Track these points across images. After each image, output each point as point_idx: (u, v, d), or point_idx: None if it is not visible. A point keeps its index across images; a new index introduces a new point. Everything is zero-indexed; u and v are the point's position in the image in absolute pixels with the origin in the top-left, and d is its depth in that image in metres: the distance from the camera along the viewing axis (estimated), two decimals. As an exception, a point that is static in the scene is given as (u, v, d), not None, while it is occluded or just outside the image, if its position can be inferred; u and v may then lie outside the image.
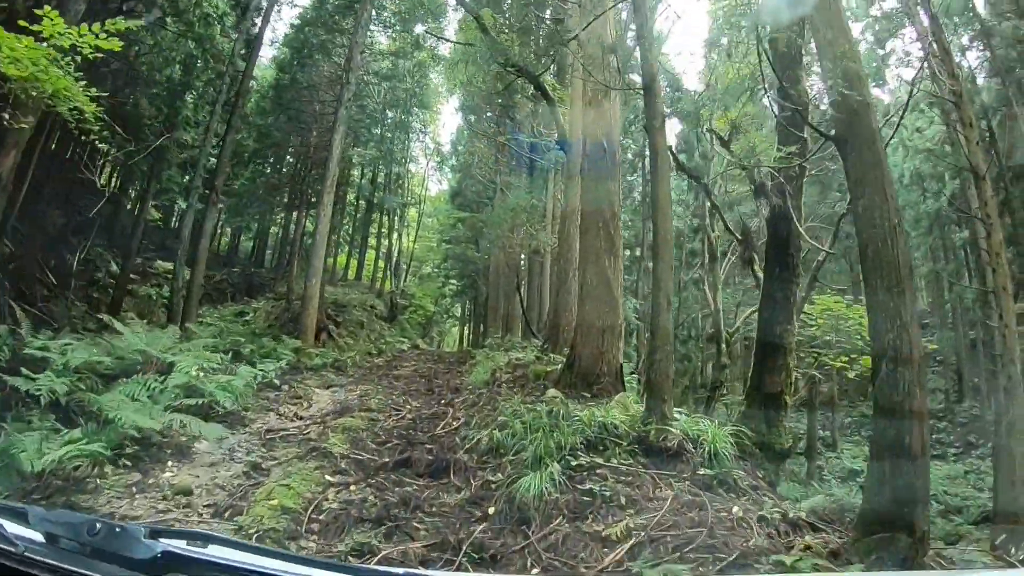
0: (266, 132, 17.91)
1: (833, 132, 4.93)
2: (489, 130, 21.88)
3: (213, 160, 14.70)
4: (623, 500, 4.03)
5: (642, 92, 6.64)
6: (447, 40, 18.22)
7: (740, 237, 9.23)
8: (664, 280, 6.36)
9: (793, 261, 8.08)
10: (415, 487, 4.63)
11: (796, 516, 4.01)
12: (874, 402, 4.36)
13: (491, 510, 4.11)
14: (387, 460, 5.12)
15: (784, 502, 4.92)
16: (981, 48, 14.91)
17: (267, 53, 21.63)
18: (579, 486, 4.24)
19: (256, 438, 5.62)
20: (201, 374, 6.19)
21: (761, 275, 9.08)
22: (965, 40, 15.07)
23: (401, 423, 6.80)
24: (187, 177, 14.39)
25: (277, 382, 8.23)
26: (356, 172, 32.05)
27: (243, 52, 14.77)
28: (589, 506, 4.00)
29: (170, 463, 4.71)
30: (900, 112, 7.30)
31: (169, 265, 21.74)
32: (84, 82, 5.64)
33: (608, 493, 4.10)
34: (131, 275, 18.01)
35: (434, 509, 4.20)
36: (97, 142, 7.43)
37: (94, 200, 22.11)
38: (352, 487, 4.53)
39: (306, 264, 14.53)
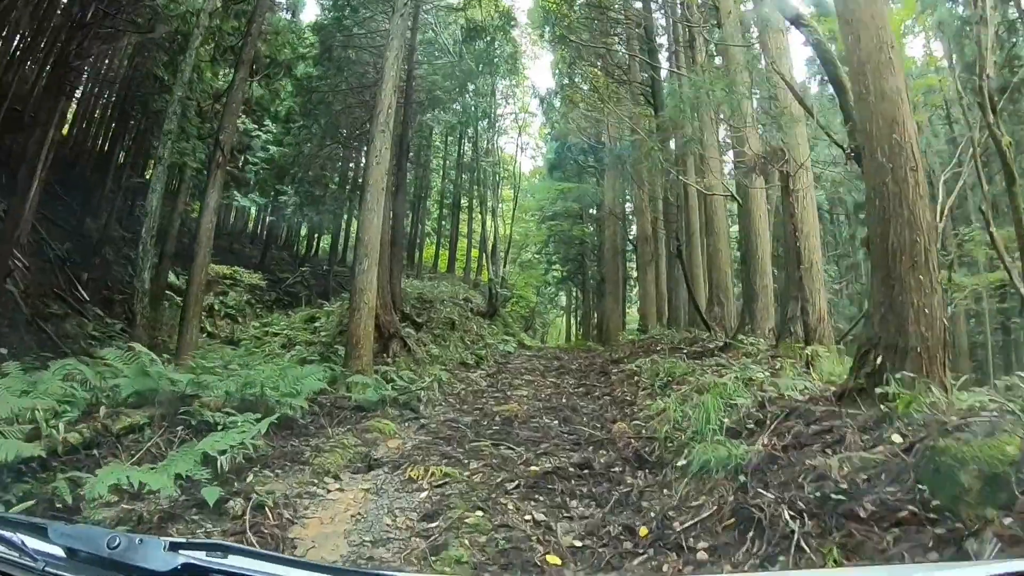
0: (310, 86, 13.71)
1: None
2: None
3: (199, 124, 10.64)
4: None
5: None
6: None
7: None
8: None
9: None
10: None
11: None
12: None
13: None
14: None
15: None
16: None
17: None
18: None
19: None
20: None
21: None
22: None
23: None
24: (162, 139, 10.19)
25: (221, 492, 3.33)
26: (440, 152, 27.97)
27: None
28: None
29: None
30: None
31: (230, 269, 18.83)
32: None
33: None
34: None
35: None
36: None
37: (144, 204, 19.79)
38: None
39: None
